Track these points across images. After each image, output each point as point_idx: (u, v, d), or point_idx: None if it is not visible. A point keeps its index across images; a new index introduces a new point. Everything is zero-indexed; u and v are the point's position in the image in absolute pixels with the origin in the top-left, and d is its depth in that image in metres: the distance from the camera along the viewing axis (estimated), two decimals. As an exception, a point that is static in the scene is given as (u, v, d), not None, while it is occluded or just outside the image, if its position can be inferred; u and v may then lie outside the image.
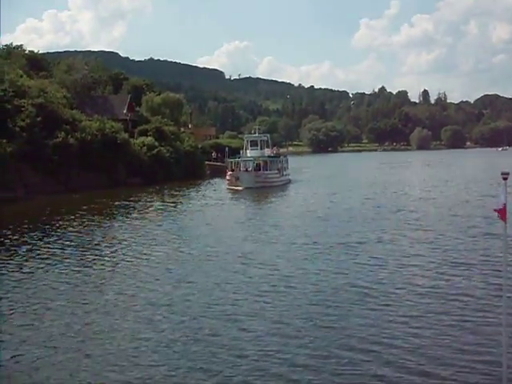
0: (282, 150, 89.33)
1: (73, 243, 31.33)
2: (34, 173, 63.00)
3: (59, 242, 31.79)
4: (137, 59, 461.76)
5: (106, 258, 27.19)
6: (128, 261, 26.40)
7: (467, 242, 28.82)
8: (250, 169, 68.16)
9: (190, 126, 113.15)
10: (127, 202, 53.61)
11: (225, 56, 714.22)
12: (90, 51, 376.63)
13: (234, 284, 21.51)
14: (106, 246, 30.41)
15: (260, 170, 68.12)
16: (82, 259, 27.13)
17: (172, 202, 52.95)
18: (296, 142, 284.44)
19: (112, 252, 28.72)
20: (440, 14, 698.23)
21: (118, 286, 21.76)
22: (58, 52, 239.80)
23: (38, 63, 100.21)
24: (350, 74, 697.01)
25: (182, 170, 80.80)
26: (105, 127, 72.01)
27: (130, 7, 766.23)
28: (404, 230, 33.01)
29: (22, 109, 64.39)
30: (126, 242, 31.27)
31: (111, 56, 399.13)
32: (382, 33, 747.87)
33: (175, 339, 15.96)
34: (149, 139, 78.47)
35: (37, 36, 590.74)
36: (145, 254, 27.94)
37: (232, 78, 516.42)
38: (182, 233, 34.72)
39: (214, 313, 18.06)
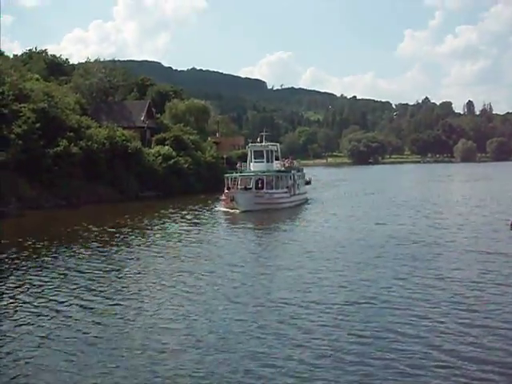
0: (298, 162, 69.27)
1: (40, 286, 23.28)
2: (31, 185, 56.05)
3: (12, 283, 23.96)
4: (179, 69, 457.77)
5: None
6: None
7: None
8: (249, 186, 55.19)
9: (217, 135, 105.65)
10: (126, 222, 45.72)
11: (268, 66, 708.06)
12: (132, 61, 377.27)
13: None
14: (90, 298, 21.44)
15: (263, 187, 53.90)
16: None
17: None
18: (336, 153, 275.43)
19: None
20: (484, 25, 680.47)
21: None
22: (101, 61, 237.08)
23: (58, 68, 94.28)
24: (394, 85, 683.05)
25: (202, 183, 73.28)
26: (115, 135, 64.87)
27: (174, 18, 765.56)
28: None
29: (20, 114, 57.60)
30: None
31: (154, 66, 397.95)
32: (426, 43, 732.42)
33: None
34: (165, 149, 71.21)
35: (82, 46, 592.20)
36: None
37: (274, 89, 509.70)
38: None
39: None
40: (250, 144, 61.72)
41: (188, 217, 47.99)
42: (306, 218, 48.51)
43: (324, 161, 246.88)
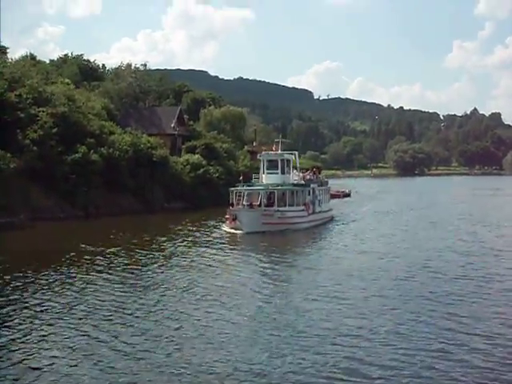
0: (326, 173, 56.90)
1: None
2: (46, 194, 51.73)
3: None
4: (226, 78, 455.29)
5: None
6: None
7: None
8: (256, 203, 44.58)
9: (254, 144, 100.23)
10: (142, 239, 40.47)
11: (315, 76, 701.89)
12: (180, 70, 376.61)
13: None
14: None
15: (273, 204, 44.08)
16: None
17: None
18: (381, 164, 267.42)
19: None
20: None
21: None
22: (150, 70, 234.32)
23: (92, 73, 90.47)
24: (442, 96, 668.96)
25: (234, 194, 67.81)
26: (139, 142, 60.05)
27: (222, 27, 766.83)
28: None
29: (37, 118, 53.26)
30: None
31: (200, 75, 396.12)
32: (474, 54, 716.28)
33: None
34: (195, 157, 66.15)
35: (130, 55, 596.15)
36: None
37: (321, 99, 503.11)
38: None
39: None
40: (262, 152, 52.13)
41: (189, 238, 39.76)
42: (323, 243, 39.70)
43: (369, 172, 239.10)
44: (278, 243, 38.04)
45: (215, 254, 32.95)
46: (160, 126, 74.14)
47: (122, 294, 22.97)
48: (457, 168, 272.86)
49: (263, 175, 48.20)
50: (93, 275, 26.53)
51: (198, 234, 41.70)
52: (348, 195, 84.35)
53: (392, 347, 16.17)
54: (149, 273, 27.47)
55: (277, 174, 47.19)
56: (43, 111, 54.21)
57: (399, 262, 30.24)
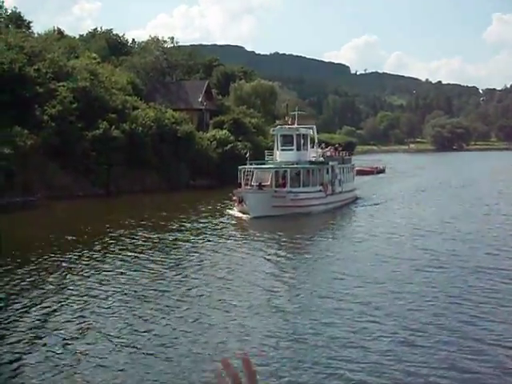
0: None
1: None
2: (64, 172, 49.41)
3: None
4: (262, 53, 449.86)
5: None
6: None
7: None
8: (265, 183, 39.14)
9: (286, 119, 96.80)
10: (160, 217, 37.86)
11: (352, 51, 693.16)
12: (216, 45, 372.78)
13: None
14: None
15: (284, 185, 39.16)
16: None
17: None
18: (419, 139, 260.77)
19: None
20: None
21: None
22: (183, 46, 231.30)
23: (120, 48, 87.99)
24: (481, 70, 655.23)
25: (262, 170, 64.86)
26: (163, 117, 57.31)
27: (259, 2, 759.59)
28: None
29: (56, 93, 50.84)
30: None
31: (237, 50, 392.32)
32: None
33: None
34: (222, 133, 63.11)
35: (166, 31, 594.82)
36: None
37: (358, 73, 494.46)
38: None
39: None
40: (277, 127, 47.56)
41: (192, 223, 35.32)
42: (339, 229, 35.44)
43: (406, 147, 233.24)
44: (287, 229, 33.15)
45: (212, 243, 28.78)
46: (187, 100, 71.38)
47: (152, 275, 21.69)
48: (496, 143, 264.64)
49: (277, 152, 43.07)
50: (111, 259, 24.54)
51: (203, 220, 36.67)
52: (382, 171, 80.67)
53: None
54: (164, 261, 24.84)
55: (292, 150, 41.89)
56: (63, 86, 51.84)
57: (430, 257, 24.87)
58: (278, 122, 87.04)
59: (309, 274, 22.50)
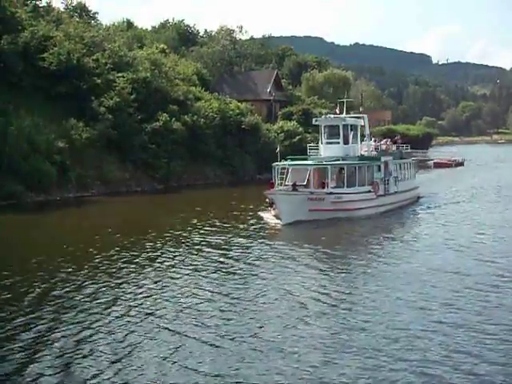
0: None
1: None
2: (121, 166, 46.68)
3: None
4: (342, 44, 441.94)
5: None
6: None
7: None
8: (301, 183, 32.28)
9: (360, 109, 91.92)
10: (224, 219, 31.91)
11: (434, 40, 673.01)
12: (294, 36, 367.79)
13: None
14: None
15: (325, 186, 32.21)
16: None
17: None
18: (502, 130, 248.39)
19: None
20: None
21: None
22: (266, 37, 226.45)
23: (190, 38, 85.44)
24: None
25: (332, 163, 60.61)
26: (227, 108, 53.92)
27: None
28: None
29: (115, 84, 48.18)
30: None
31: (316, 41, 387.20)
32: None
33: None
34: (290, 124, 59.26)
35: (246, 23, 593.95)
36: None
37: (440, 63, 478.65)
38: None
39: None
40: (322, 116, 40.85)
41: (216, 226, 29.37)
42: (392, 237, 26.87)
43: (488, 138, 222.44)
44: (323, 238, 26.21)
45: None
46: (255, 91, 67.87)
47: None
48: None
49: (321, 146, 36.09)
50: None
51: (234, 223, 30.44)
52: (461, 164, 74.71)
53: None
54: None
55: (338, 143, 34.99)
56: (123, 76, 49.16)
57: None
58: (352, 112, 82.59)
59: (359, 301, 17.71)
